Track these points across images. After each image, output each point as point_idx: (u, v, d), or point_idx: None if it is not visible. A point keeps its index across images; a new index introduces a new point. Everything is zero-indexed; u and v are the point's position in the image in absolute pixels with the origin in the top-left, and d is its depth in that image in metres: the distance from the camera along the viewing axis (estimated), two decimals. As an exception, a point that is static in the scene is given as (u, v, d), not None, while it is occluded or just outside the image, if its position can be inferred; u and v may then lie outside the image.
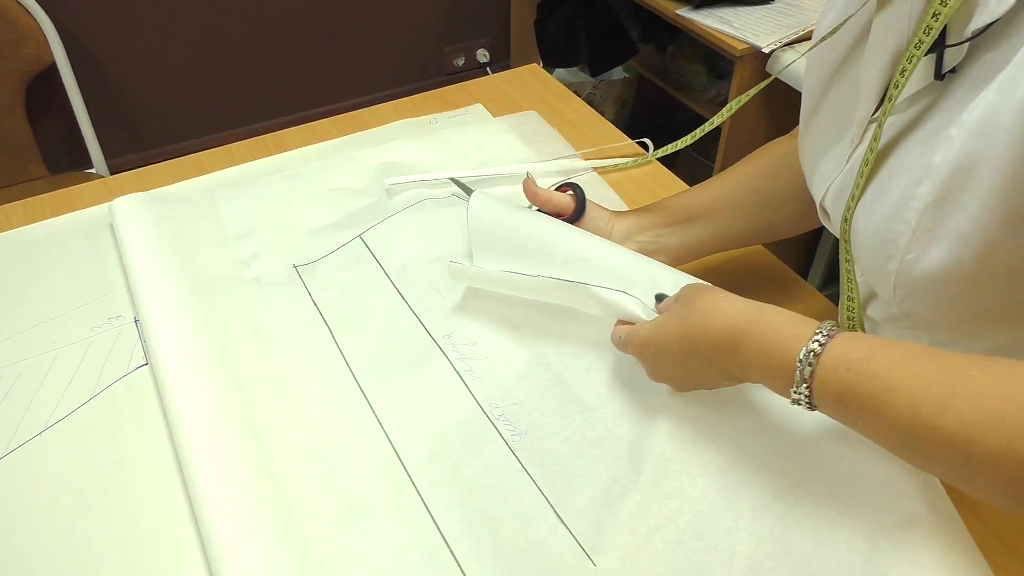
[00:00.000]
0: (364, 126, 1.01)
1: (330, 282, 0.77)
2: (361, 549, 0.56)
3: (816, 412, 0.48)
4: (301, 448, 0.62)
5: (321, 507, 0.58)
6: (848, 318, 0.61)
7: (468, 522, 0.57)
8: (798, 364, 0.47)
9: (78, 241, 0.83)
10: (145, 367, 0.69)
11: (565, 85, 1.10)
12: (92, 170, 1.79)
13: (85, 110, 1.73)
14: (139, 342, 0.72)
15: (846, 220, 0.56)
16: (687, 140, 0.81)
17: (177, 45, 2.01)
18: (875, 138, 0.53)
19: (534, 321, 0.70)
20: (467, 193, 0.79)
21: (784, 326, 0.49)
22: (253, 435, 0.61)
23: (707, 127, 0.75)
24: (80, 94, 1.71)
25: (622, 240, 0.72)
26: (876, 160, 0.54)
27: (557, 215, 0.72)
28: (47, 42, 1.62)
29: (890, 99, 0.52)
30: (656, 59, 2.02)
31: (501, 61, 2.51)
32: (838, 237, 0.59)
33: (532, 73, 1.13)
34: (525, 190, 0.74)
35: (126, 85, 2.01)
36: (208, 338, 0.68)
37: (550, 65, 2.03)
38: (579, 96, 1.08)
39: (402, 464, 0.61)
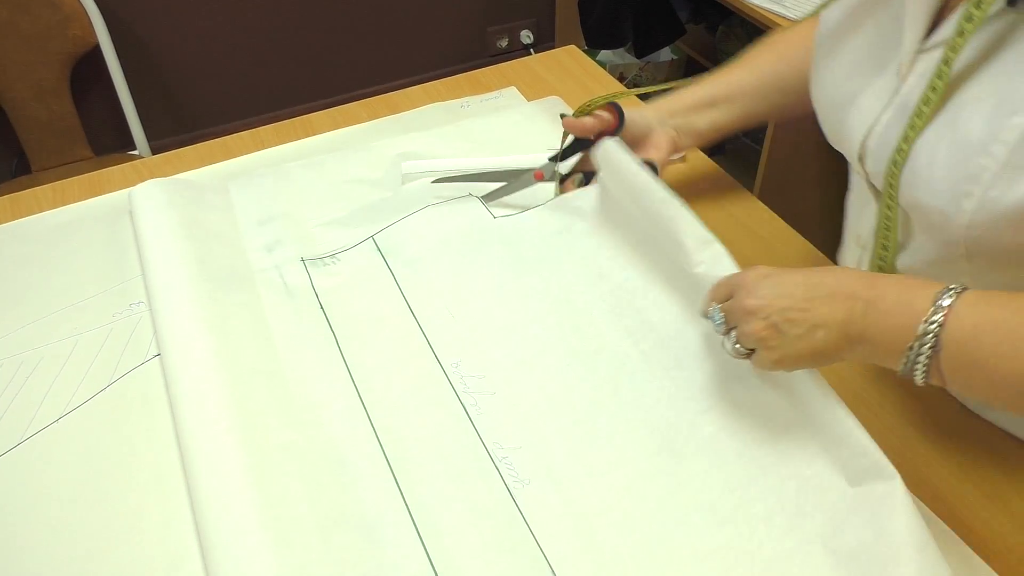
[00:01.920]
0: (394, 110, 0.99)
1: (338, 281, 0.75)
2: (342, 560, 0.53)
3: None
4: (289, 446, 0.59)
5: (304, 510, 0.55)
6: (879, 268, 0.60)
7: (459, 555, 0.53)
8: (915, 340, 0.47)
9: (103, 225, 0.83)
10: (160, 356, 0.68)
11: (610, 67, 1.06)
12: (135, 151, 1.81)
13: (128, 92, 1.74)
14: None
15: (895, 164, 0.53)
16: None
17: (220, 26, 2.02)
18: (939, 75, 0.49)
19: (546, 357, 0.66)
20: (488, 209, 0.79)
21: (902, 297, 0.48)
22: (242, 430, 0.59)
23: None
24: (123, 76, 1.72)
25: (659, 125, 0.75)
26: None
27: (604, 132, 0.74)
28: (91, 24, 1.63)
29: (962, 33, 0.48)
30: (705, 40, 1.96)
31: (546, 42, 2.46)
32: (871, 182, 0.57)
33: (569, 55, 1.09)
34: (572, 128, 0.74)
35: (170, 67, 2.02)
36: (210, 330, 0.67)
37: (594, 46, 1.98)
38: (625, 78, 1.04)
39: (395, 479, 0.58)
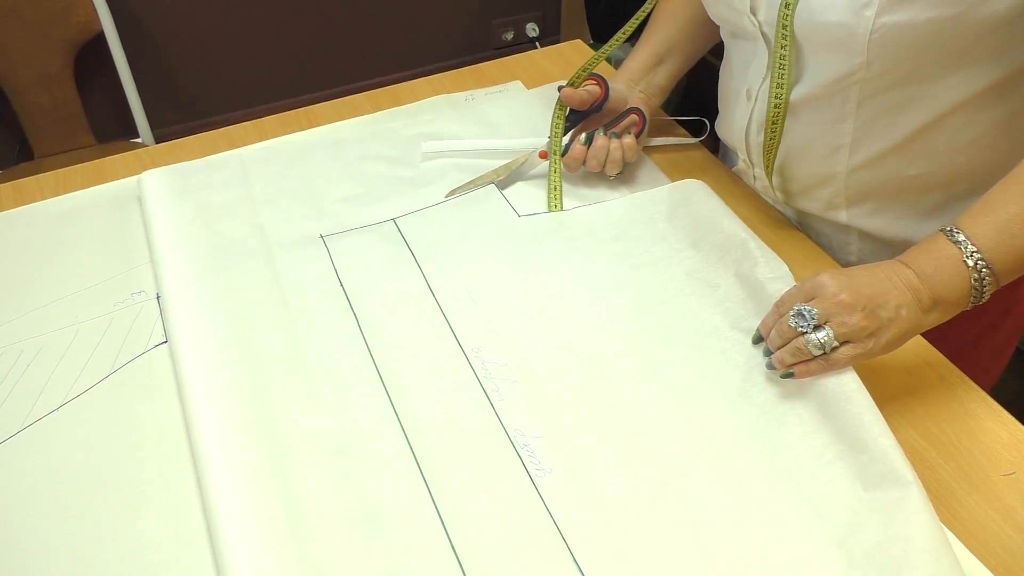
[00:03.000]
0: (398, 102, 0.98)
1: (358, 259, 0.75)
2: (366, 552, 0.53)
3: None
4: (314, 436, 0.59)
5: (330, 502, 0.55)
6: (775, 105, 0.68)
7: (482, 545, 0.54)
8: (974, 283, 0.56)
9: (105, 214, 0.83)
10: (165, 344, 0.68)
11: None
12: (138, 139, 1.80)
13: (132, 80, 1.74)
14: (160, 319, 0.71)
15: (787, 5, 0.62)
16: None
17: (225, 16, 2.01)
18: None
19: (568, 353, 0.66)
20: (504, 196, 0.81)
21: (930, 254, 0.57)
22: (266, 422, 0.59)
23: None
24: (127, 64, 1.72)
25: (630, 91, 0.84)
26: None
27: (595, 102, 0.81)
28: (95, 11, 1.63)
29: None
30: (710, 36, 1.95)
31: (551, 35, 2.45)
32: (763, 32, 0.67)
33: (574, 49, 1.09)
34: (570, 98, 0.80)
35: (174, 55, 2.01)
36: (227, 317, 0.67)
37: (600, 40, 1.98)
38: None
39: (418, 467, 0.58)
